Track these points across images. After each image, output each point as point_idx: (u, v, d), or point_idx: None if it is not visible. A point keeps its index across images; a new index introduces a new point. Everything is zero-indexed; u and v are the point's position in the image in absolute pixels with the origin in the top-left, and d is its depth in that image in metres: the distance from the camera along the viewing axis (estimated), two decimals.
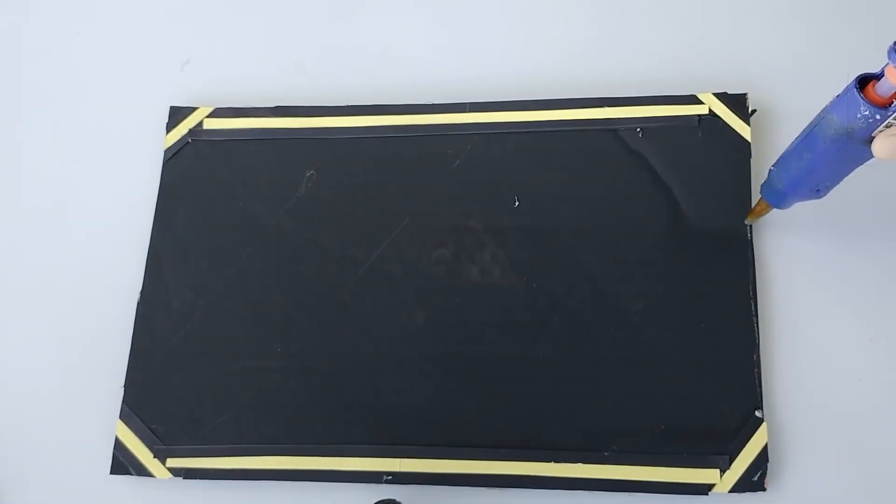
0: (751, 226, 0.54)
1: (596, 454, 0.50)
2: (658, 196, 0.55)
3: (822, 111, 0.43)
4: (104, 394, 0.56)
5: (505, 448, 0.51)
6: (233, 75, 0.64)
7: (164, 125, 0.62)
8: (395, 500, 0.50)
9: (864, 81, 0.40)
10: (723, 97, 0.57)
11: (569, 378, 0.52)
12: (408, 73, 0.62)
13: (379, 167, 0.59)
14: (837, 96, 0.42)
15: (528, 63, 0.61)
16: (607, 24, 0.62)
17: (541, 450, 0.51)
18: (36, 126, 0.65)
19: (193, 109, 0.62)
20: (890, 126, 0.40)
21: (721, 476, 0.49)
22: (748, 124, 0.56)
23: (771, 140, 0.56)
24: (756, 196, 0.54)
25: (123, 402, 0.55)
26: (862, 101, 0.40)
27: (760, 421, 0.50)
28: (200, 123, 0.62)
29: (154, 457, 0.54)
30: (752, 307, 0.52)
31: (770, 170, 0.49)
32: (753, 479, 0.49)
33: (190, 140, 0.61)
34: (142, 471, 0.54)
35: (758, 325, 0.52)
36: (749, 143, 0.55)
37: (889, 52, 0.37)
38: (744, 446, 0.49)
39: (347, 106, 0.61)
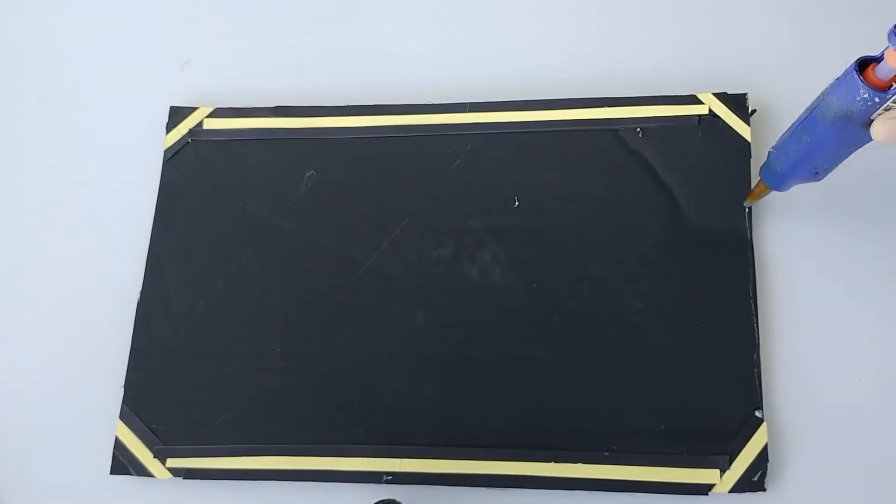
0: (749, 209, 0.54)
1: (596, 454, 0.50)
2: (658, 196, 0.55)
3: (821, 94, 0.43)
4: (104, 394, 0.56)
5: (505, 448, 0.51)
6: (233, 75, 0.64)
7: (164, 125, 0.63)
8: (395, 500, 0.50)
9: (863, 64, 0.41)
10: (723, 97, 0.57)
11: (569, 378, 0.52)
12: (408, 73, 0.62)
13: (379, 167, 0.59)
14: (837, 79, 0.42)
15: (529, 63, 0.61)
16: (607, 24, 0.62)
17: (541, 450, 0.51)
18: (36, 126, 0.65)
19: (193, 109, 0.62)
20: (889, 109, 0.40)
21: (721, 476, 0.49)
22: (748, 124, 0.56)
23: (771, 140, 0.55)
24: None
25: (123, 402, 0.55)
26: (861, 83, 0.40)
27: (760, 421, 0.50)
28: (200, 123, 0.62)
29: (154, 457, 0.54)
30: (752, 307, 0.52)
31: (769, 152, 0.49)
32: (753, 479, 0.49)
33: (190, 140, 0.61)
34: (142, 471, 0.54)
35: (758, 325, 0.52)
36: (749, 143, 0.55)
37: (889, 35, 0.37)
38: (744, 446, 0.49)
39: (347, 106, 0.61)
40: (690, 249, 0.54)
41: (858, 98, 0.40)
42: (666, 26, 0.61)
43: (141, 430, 0.54)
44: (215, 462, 0.53)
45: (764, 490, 0.49)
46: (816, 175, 0.48)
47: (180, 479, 0.53)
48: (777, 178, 0.49)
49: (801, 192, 0.55)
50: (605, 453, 0.50)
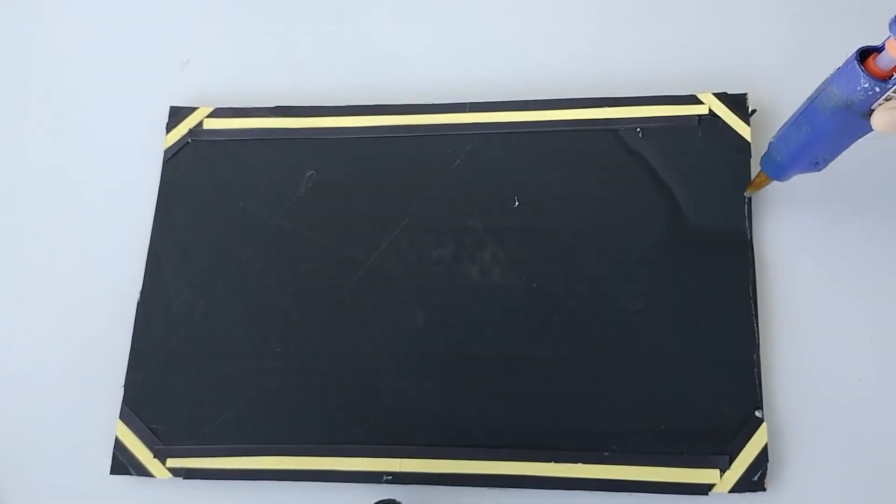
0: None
1: (596, 454, 0.50)
2: (658, 196, 0.55)
3: (822, 84, 0.43)
4: (104, 394, 0.56)
5: (505, 448, 0.51)
6: (233, 75, 0.64)
7: (164, 125, 0.63)
8: (395, 500, 0.50)
9: (864, 54, 0.41)
10: (723, 97, 0.57)
11: (569, 378, 0.52)
12: (408, 73, 0.62)
13: (379, 167, 0.59)
14: (838, 69, 0.42)
15: (529, 63, 0.61)
16: (607, 24, 0.62)
17: (541, 450, 0.51)
18: (36, 126, 0.65)
19: (193, 109, 0.62)
20: (889, 99, 0.40)
21: (721, 476, 0.49)
22: (748, 124, 0.56)
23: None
24: (755, 200, 0.54)
25: (123, 402, 0.55)
26: (862, 73, 0.40)
27: (760, 421, 0.50)
28: (200, 123, 0.62)
29: (154, 457, 0.54)
30: (752, 307, 0.52)
31: (770, 142, 0.49)
32: (753, 479, 0.49)
33: (190, 140, 0.61)
34: (142, 471, 0.54)
35: (758, 325, 0.52)
36: (749, 143, 0.55)
37: (890, 25, 0.37)
38: (744, 446, 0.49)
39: (347, 106, 0.61)
40: (690, 249, 0.54)
41: (859, 88, 0.40)
42: (666, 26, 0.61)
43: (141, 430, 0.54)
44: (215, 462, 0.53)
45: (764, 490, 0.49)
46: (817, 165, 0.48)
47: (180, 479, 0.53)
48: (777, 168, 0.49)
49: (801, 192, 0.55)
50: (605, 453, 0.50)
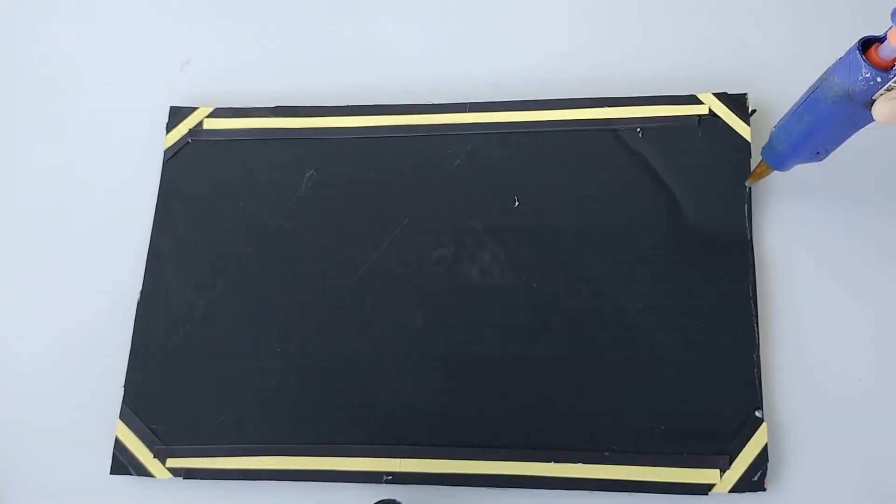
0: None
1: (596, 454, 0.50)
2: (658, 196, 0.55)
3: (824, 73, 0.43)
4: (104, 394, 0.56)
5: (505, 448, 0.51)
6: (233, 75, 0.64)
7: (164, 125, 0.63)
8: (395, 500, 0.50)
9: (866, 44, 0.41)
10: (723, 97, 0.57)
11: (569, 378, 0.52)
12: (408, 73, 0.62)
13: (379, 167, 0.59)
14: (840, 59, 0.42)
15: (528, 63, 0.61)
16: (607, 24, 0.62)
17: (541, 450, 0.51)
18: (36, 126, 0.65)
19: (193, 109, 0.62)
20: (891, 89, 0.40)
21: (721, 476, 0.49)
22: (748, 124, 0.56)
23: None
24: (755, 198, 0.54)
25: (123, 402, 0.55)
26: (864, 63, 0.40)
27: (760, 421, 0.50)
28: (200, 123, 0.62)
29: (154, 457, 0.54)
30: (752, 307, 0.52)
31: (771, 131, 0.49)
32: (753, 479, 0.49)
33: (190, 140, 0.61)
34: (142, 471, 0.54)
35: (758, 325, 0.52)
36: (749, 143, 0.55)
37: (893, 15, 0.37)
38: (744, 446, 0.49)
39: (347, 106, 0.61)
40: (690, 249, 0.54)
41: (860, 78, 0.40)
42: (666, 26, 0.61)
43: (141, 430, 0.54)
44: (215, 462, 0.53)
45: (764, 490, 0.49)
46: (817, 155, 0.48)
47: (180, 479, 0.53)
48: (778, 158, 0.50)
49: (801, 193, 0.55)
50: (605, 453, 0.50)
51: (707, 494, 0.49)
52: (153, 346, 0.56)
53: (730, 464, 0.49)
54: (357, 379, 0.54)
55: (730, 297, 0.52)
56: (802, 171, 0.55)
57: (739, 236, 0.53)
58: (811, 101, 0.44)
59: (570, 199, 0.56)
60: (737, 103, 0.56)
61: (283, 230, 0.58)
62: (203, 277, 0.58)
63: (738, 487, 0.49)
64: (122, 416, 0.55)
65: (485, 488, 0.51)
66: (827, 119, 0.44)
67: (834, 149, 0.47)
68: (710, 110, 0.56)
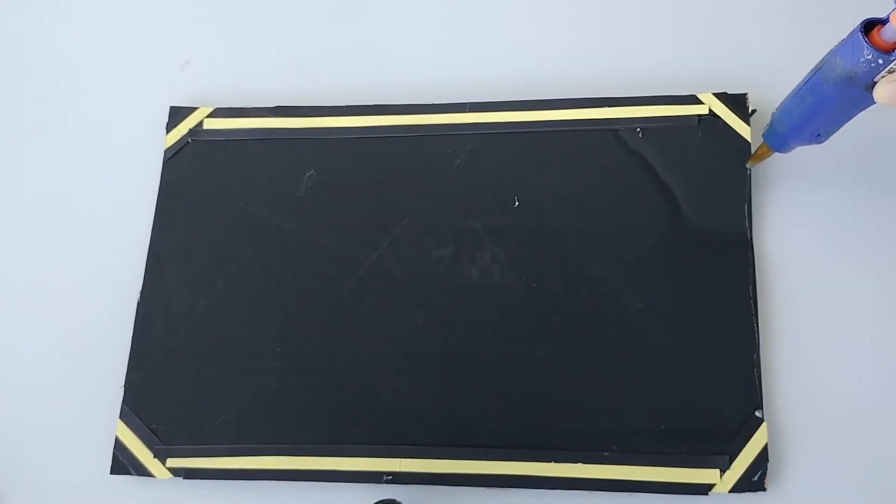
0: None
1: (596, 454, 0.50)
2: (658, 196, 0.55)
3: (826, 55, 0.43)
4: (104, 394, 0.56)
5: (505, 448, 0.51)
6: (233, 75, 0.64)
7: (164, 125, 0.63)
8: (395, 500, 0.50)
9: (869, 26, 0.41)
10: (723, 97, 0.57)
11: (569, 378, 0.52)
12: (408, 73, 0.62)
13: (379, 167, 0.59)
14: (843, 40, 0.42)
15: (528, 63, 0.61)
16: (607, 24, 0.62)
17: (541, 450, 0.51)
18: (36, 126, 0.65)
19: (193, 109, 0.62)
20: (892, 72, 0.40)
21: (721, 476, 0.49)
22: (748, 124, 0.56)
23: None
24: (755, 198, 0.54)
25: (123, 402, 0.55)
26: (866, 45, 0.40)
27: (760, 421, 0.50)
28: (200, 123, 0.62)
29: (154, 457, 0.54)
30: (752, 307, 0.52)
31: (772, 113, 0.49)
32: (753, 479, 0.49)
33: (190, 140, 0.61)
34: (142, 471, 0.54)
35: (758, 325, 0.52)
36: (749, 143, 0.55)
37: None
38: (744, 446, 0.49)
39: (347, 106, 0.61)
40: (690, 249, 0.54)
41: (862, 59, 0.41)
42: (666, 26, 0.61)
43: (141, 430, 0.54)
44: (215, 462, 0.53)
45: (764, 490, 0.49)
46: (818, 137, 0.48)
47: (180, 479, 0.53)
48: (779, 140, 0.50)
49: (801, 192, 0.55)
50: (605, 453, 0.50)
51: (707, 494, 0.49)
52: (153, 346, 0.56)
53: (730, 464, 0.49)
54: (357, 379, 0.54)
55: (730, 297, 0.52)
56: (802, 171, 0.55)
57: (739, 236, 0.53)
58: (813, 82, 0.44)
59: (570, 199, 0.56)
60: (737, 103, 0.56)
61: (283, 230, 0.58)
62: (203, 277, 0.58)
63: (738, 487, 0.49)
64: (122, 416, 0.55)
65: (485, 488, 0.51)
66: (828, 101, 0.44)
67: (835, 131, 0.47)
68: (710, 110, 0.56)
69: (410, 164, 0.58)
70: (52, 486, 0.55)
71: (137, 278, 0.58)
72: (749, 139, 0.55)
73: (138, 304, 0.58)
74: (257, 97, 0.62)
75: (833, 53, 0.42)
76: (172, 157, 0.61)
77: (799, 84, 0.46)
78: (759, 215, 0.55)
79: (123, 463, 0.54)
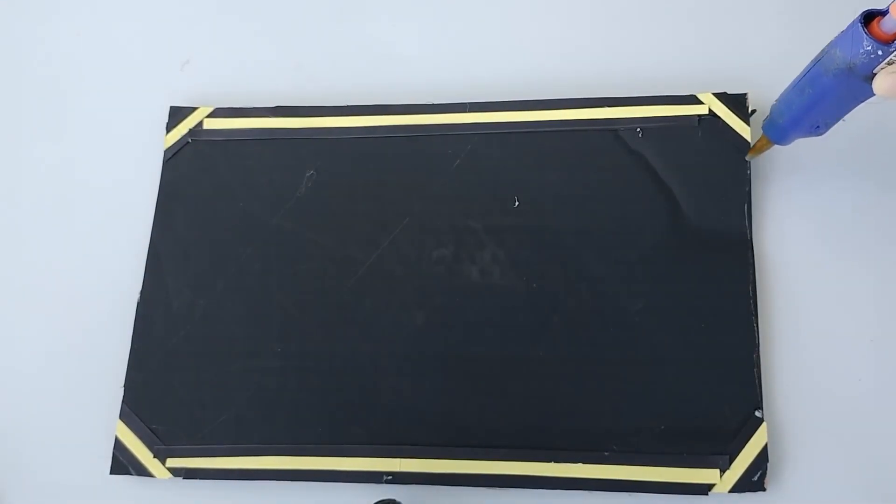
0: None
1: (596, 454, 0.50)
2: (658, 196, 0.55)
3: (826, 46, 0.43)
4: (104, 394, 0.56)
5: (505, 448, 0.51)
6: (233, 75, 0.64)
7: (164, 125, 0.63)
8: (395, 500, 0.50)
9: (869, 17, 0.41)
10: (723, 97, 0.57)
11: (569, 378, 0.52)
12: (408, 73, 0.62)
13: (379, 167, 0.59)
14: (842, 31, 0.42)
15: (528, 63, 0.61)
16: (607, 24, 0.62)
17: (541, 450, 0.51)
18: (36, 126, 0.65)
19: (193, 109, 0.62)
20: (892, 63, 0.40)
21: (721, 476, 0.49)
22: (748, 124, 0.56)
23: None
24: (755, 198, 0.54)
25: (123, 402, 0.55)
26: (866, 36, 0.40)
27: (760, 421, 0.50)
28: (200, 123, 0.62)
29: (154, 457, 0.54)
30: (752, 307, 0.52)
31: (772, 105, 0.49)
32: (753, 479, 0.49)
33: (190, 140, 0.61)
34: (142, 471, 0.54)
35: (758, 325, 0.52)
36: (749, 143, 0.55)
37: None
38: (744, 446, 0.49)
39: (347, 106, 0.61)
40: (690, 249, 0.54)
41: (862, 51, 0.41)
42: (666, 26, 0.61)
43: (141, 430, 0.54)
44: (215, 462, 0.53)
45: (764, 490, 0.49)
46: (818, 129, 0.48)
47: (180, 479, 0.53)
48: (779, 131, 0.50)
49: (801, 192, 0.55)
50: (605, 453, 0.50)
51: (707, 494, 0.49)
52: (153, 346, 0.56)
53: (730, 464, 0.49)
54: (357, 379, 0.54)
55: (730, 297, 0.52)
56: (802, 171, 0.55)
57: (739, 236, 0.53)
58: (812, 74, 0.44)
59: (570, 199, 0.56)
60: (737, 103, 0.56)
61: (283, 230, 0.58)
62: (203, 277, 0.58)
63: (738, 487, 0.49)
64: (122, 416, 0.55)
65: (485, 488, 0.51)
66: (828, 92, 0.44)
67: (834, 123, 0.47)
68: (710, 110, 0.56)
69: (410, 164, 0.58)
70: (52, 486, 0.55)
71: (137, 278, 0.58)
72: (749, 139, 0.55)
73: (138, 304, 0.58)
74: (257, 97, 0.62)
75: (833, 44, 0.42)
76: (172, 157, 0.61)
77: (798, 76, 0.46)
78: (758, 215, 0.55)
79: (123, 463, 0.54)
